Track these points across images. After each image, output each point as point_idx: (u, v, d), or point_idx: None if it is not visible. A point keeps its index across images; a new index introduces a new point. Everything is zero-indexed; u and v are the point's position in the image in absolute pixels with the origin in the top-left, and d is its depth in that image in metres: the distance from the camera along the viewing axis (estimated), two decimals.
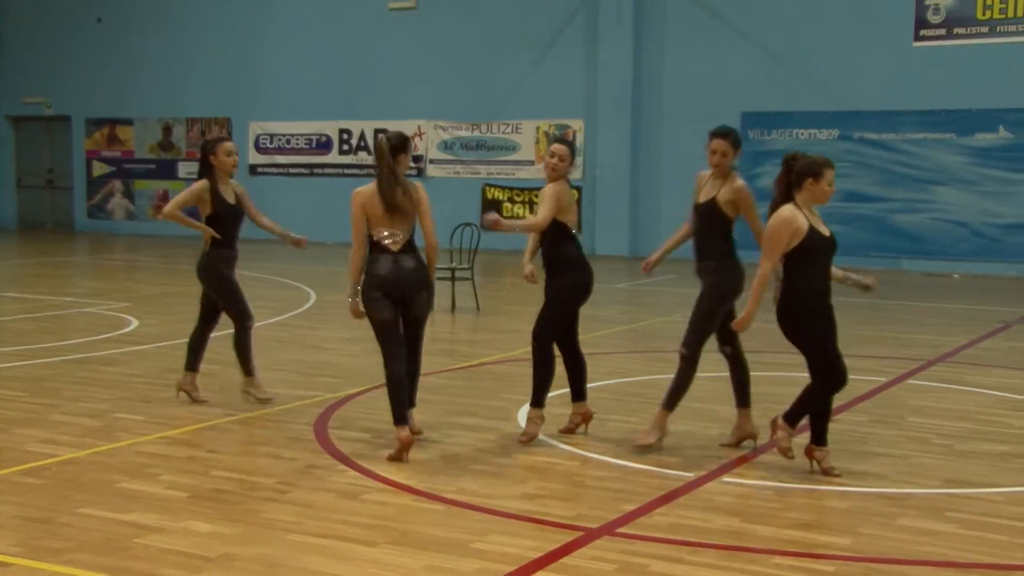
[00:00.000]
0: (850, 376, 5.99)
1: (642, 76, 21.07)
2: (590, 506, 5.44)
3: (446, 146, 22.68)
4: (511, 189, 22.31)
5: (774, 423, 6.13)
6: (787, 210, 5.75)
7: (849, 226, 19.79)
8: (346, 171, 23.68)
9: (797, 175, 5.81)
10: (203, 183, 7.22)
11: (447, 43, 22.59)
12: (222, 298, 7.39)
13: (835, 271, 5.95)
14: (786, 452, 6.08)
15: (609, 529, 5.03)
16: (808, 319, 5.82)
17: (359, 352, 9.56)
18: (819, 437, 6.01)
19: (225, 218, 7.27)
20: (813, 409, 5.97)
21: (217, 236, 7.21)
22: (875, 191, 19.75)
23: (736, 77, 20.38)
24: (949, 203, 19.29)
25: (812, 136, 20.06)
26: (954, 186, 19.26)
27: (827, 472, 5.97)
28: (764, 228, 5.86)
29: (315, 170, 24.30)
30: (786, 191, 5.84)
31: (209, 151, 7.24)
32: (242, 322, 7.37)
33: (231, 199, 7.32)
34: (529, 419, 6.69)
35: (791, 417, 6.05)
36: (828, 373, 5.85)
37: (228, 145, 7.28)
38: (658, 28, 21.05)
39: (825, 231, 5.85)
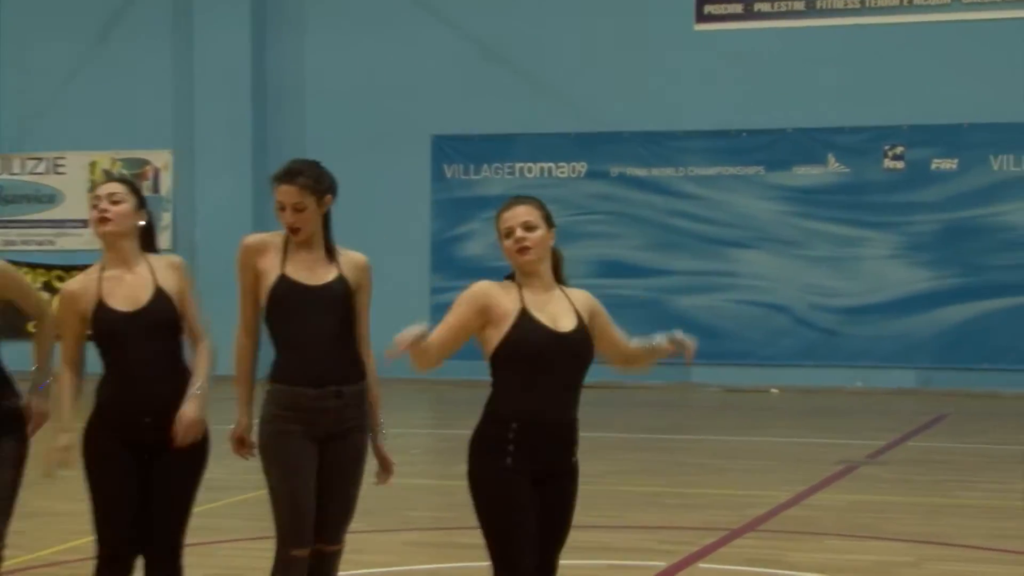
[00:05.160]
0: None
1: (268, 82, 21.77)
2: None
3: None
4: (48, 269, 21.80)
5: None
6: (482, 284, 5.92)
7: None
8: None
9: None
10: None
11: None
12: None
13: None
14: None
15: None
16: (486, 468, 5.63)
17: None
18: None
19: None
20: None
21: None
22: (644, 259, 20.41)
23: (424, 84, 21.06)
24: (759, 276, 20.08)
25: (546, 173, 20.65)
26: (765, 248, 20.10)
27: None
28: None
29: None
30: None
31: None
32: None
33: None
34: None
35: None
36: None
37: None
38: (294, 5, 21.64)
39: (567, 324, 5.72)
